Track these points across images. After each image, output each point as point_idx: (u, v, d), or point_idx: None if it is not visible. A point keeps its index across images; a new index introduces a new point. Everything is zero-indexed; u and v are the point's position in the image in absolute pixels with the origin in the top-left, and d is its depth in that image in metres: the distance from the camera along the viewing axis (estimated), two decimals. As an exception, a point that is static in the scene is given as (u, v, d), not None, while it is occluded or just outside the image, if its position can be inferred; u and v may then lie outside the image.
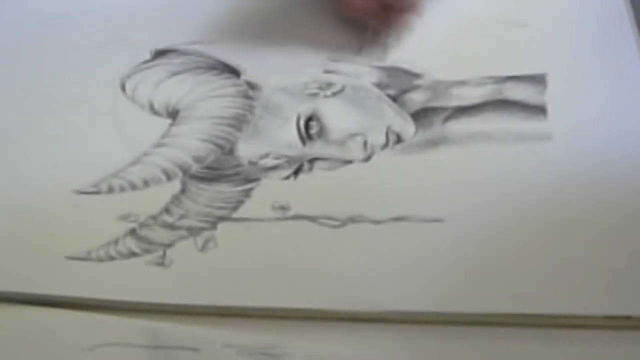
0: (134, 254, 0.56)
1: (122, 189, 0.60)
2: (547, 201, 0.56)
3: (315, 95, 0.64)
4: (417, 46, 0.67)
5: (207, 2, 0.72)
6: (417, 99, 0.63)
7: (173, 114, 0.64)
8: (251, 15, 0.70)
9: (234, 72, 0.66)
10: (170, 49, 0.68)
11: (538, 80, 0.63)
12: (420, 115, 0.62)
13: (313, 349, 0.51)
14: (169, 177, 0.60)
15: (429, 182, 0.59)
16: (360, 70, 0.65)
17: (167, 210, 0.58)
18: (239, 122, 0.63)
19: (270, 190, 0.59)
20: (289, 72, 0.66)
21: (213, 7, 0.71)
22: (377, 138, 0.61)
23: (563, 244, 0.54)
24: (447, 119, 0.62)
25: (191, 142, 0.62)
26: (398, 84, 0.64)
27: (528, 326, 0.51)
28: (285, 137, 0.62)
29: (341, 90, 0.64)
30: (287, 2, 0.70)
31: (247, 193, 0.59)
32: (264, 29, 0.69)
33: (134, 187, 0.60)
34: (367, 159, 0.60)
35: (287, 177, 0.60)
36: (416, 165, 0.60)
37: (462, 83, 0.64)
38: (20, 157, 0.62)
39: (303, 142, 0.61)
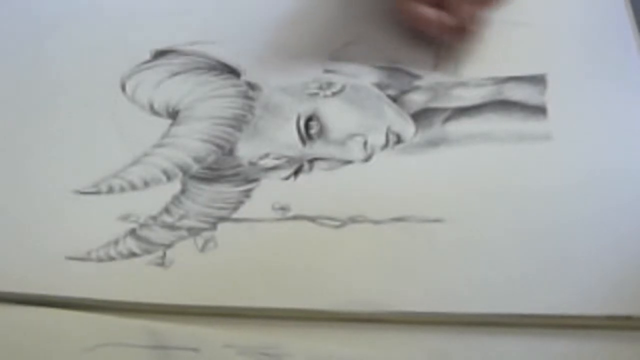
0: (134, 255, 0.56)
1: (122, 189, 0.60)
2: (547, 201, 0.56)
3: (315, 95, 0.64)
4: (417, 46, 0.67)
5: (207, 2, 0.72)
6: (417, 99, 0.63)
7: (173, 115, 0.64)
8: (305, 25, 0.69)
9: (234, 72, 0.66)
10: (170, 49, 0.68)
11: (538, 80, 0.63)
12: (421, 116, 0.62)
13: (313, 349, 0.51)
14: (169, 178, 0.60)
15: (429, 183, 0.59)
16: (360, 70, 0.65)
17: (167, 210, 0.58)
18: (239, 123, 0.63)
19: (271, 190, 0.59)
20: (289, 73, 0.66)
21: (213, 7, 0.71)
22: (377, 138, 0.61)
23: (563, 244, 0.54)
24: (447, 119, 0.62)
25: (191, 142, 0.62)
26: (398, 85, 0.64)
27: (528, 326, 0.51)
28: (285, 137, 0.62)
29: (341, 90, 0.64)
30: (355, 11, 0.70)
31: (247, 193, 0.59)
32: (326, 40, 0.68)
33: (134, 187, 0.60)
34: (367, 159, 0.60)
35: (287, 178, 0.60)
36: (416, 166, 0.60)
37: (462, 84, 0.64)
38: (20, 157, 0.62)
39: (303, 142, 0.61)
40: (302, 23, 0.69)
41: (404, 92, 0.64)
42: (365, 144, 0.61)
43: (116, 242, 0.57)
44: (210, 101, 0.64)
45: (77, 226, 0.58)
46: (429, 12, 0.64)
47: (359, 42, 0.67)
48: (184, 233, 0.57)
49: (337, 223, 0.57)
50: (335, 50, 0.67)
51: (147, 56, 0.68)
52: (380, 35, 0.68)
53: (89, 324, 0.53)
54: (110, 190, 0.60)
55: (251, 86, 0.65)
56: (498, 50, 0.66)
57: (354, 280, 0.54)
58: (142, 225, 0.57)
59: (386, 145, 0.61)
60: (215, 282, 0.54)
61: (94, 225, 0.58)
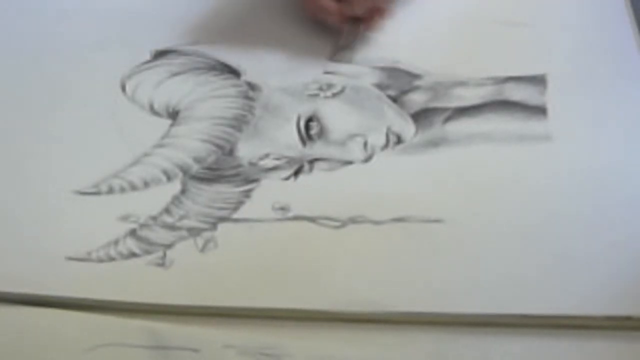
0: (134, 255, 0.56)
1: (122, 190, 0.60)
2: (547, 201, 0.56)
3: (315, 96, 0.64)
4: (417, 47, 0.67)
5: (207, 2, 0.72)
6: (417, 99, 0.63)
7: (173, 115, 0.64)
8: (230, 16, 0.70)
9: (234, 72, 0.66)
10: (170, 49, 0.68)
11: (538, 80, 0.63)
12: (421, 116, 0.62)
13: (313, 349, 0.51)
14: (169, 178, 0.60)
15: (429, 183, 0.59)
16: (360, 71, 0.66)
17: (167, 210, 0.58)
18: (239, 123, 0.63)
19: (271, 190, 0.59)
20: (289, 73, 0.66)
21: (213, 7, 0.71)
22: (377, 139, 0.61)
23: (563, 244, 0.54)
24: (447, 119, 0.62)
25: (191, 142, 0.62)
26: (398, 85, 0.64)
27: (528, 326, 0.51)
28: (285, 137, 0.62)
29: (341, 91, 0.64)
30: (258, 5, 0.71)
31: (247, 194, 0.59)
32: (240, 32, 0.69)
33: (134, 187, 0.60)
34: (368, 159, 0.60)
35: (287, 178, 0.60)
36: (416, 166, 0.60)
37: (462, 84, 0.64)
38: (20, 157, 0.62)
39: (303, 142, 0.61)
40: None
41: (404, 92, 0.64)
42: (365, 144, 0.61)
43: (116, 243, 0.56)
44: (211, 101, 0.64)
45: (77, 226, 0.58)
46: (328, 2, 0.65)
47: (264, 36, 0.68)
48: (184, 233, 0.57)
49: (337, 223, 0.56)
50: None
51: (147, 56, 0.68)
52: (280, 26, 0.68)
53: (89, 324, 0.53)
54: (111, 190, 0.60)
55: (251, 86, 0.65)
56: (498, 50, 0.66)
57: (354, 280, 0.54)
58: (142, 226, 0.57)
59: (386, 145, 0.61)
60: (215, 282, 0.54)
61: (94, 226, 0.58)
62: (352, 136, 0.61)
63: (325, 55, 0.66)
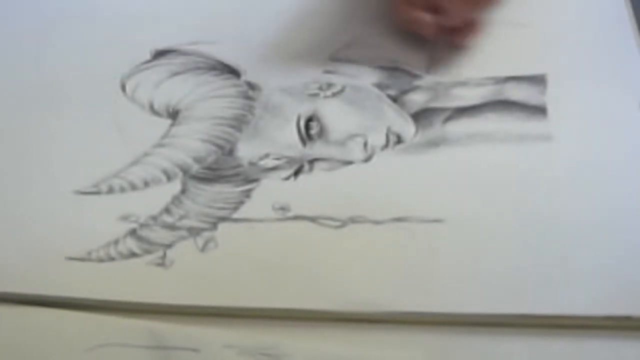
0: (134, 255, 0.56)
1: (122, 189, 0.60)
2: (547, 201, 0.56)
3: (315, 95, 0.64)
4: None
5: (207, 2, 0.72)
6: (417, 99, 0.63)
7: (173, 115, 0.64)
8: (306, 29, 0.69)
9: (234, 72, 0.66)
10: (170, 49, 0.68)
11: (538, 80, 0.63)
12: (421, 116, 0.62)
13: (313, 349, 0.51)
14: (169, 178, 0.60)
15: (429, 183, 0.59)
16: (360, 71, 0.65)
17: (167, 210, 0.58)
18: (239, 123, 0.63)
19: (271, 190, 0.59)
20: (289, 73, 0.66)
21: (213, 7, 0.71)
22: (377, 139, 0.61)
23: (563, 244, 0.54)
24: (447, 119, 0.62)
25: (191, 142, 0.62)
26: (398, 85, 0.64)
27: (528, 326, 0.51)
28: (285, 137, 0.62)
29: (341, 91, 0.64)
30: (353, 13, 0.70)
31: (247, 194, 0.59)
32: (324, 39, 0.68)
33: (134, 187, 0.60)
34: (368, 159, 0.60)
35: (288, 178, 0.60)
36: (416, 166, 0.60)
37: (463, 83, 0.64)
38: (20, 157, 0.62)
39: (303, 142, 0.61)
40: (302, 24, 0.69)
41: (404, 92, 0.64)
42: (365, 144, 0.61)
43: (116, 242, 0.57)
44: (211, 101, 0.64)
45: (77, 226, 0.58)
46: (424, 15, 0.64)
47: (357, 44, 0.67)
48: (184, 233, 0.57)
49: (337, 223, 0.57)
50: (335, 51, 0.67)
51: (147, 56, 0.68)
52: (376, 37, 0.68)
53: (89, 324, 0.53)
54: (111, 190, 0.60)
55: (251, 86, 0.65)
56: (498, 50, 0.66)
57: (354, 280, 0.54)
58: (143, 225, 0.57)
59: (386, 145, 0.61)
60: (215, 282, 0.54)
61: (94, 225, 0.58)
62: (352, 136, 0.61)
63: (420, 67, 0.65)
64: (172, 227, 0.57)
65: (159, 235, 0.57)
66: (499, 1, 0.64)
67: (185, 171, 0.60)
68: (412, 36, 0.66)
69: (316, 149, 0.61)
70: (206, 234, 0.57)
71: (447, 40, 0.65)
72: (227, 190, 0.59)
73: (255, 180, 0.60)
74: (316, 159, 0.60)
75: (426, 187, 0.58)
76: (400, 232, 0.56)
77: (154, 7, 0.72)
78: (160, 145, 0.62)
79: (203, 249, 0.56)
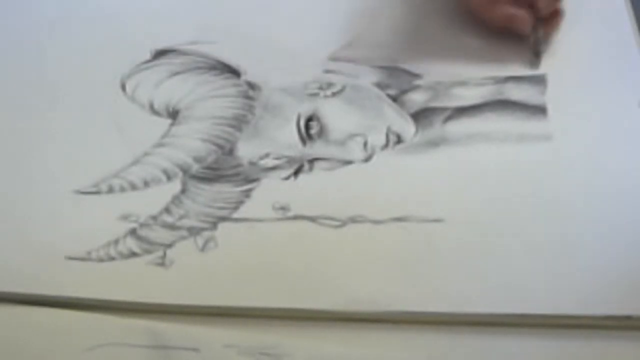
0: (134, 254, 0.56)
1: (122, 189, 0.60)
2: (547, 201, 0.56)
3: (315, 95, 0.64)
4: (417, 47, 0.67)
5: (207, 2, 0.72)
6: (417, 99, 0.63)
7: (173, 114, 0.64)
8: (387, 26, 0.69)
9: (234, 72, 0.66)
10: (170, 49, 0.68)
11: (538, 80, 0.63)
12: (421, 116, 0.62)
13: (313, 349, 0.51)
14: (169, 177, 0.60)
15: (429, 183, 0.59)
16: (360, 70, 0.65)
17: (167, 210, 0.58)
18: (239, 122, 0.63)
19: (271, 190, 0.59)
20: (289, 72, 0.66)
21: (213, 7, 0.71)
22: (377, 138, 0.61)
23: (563, 244, 0.54)
24: (447, 119, 0.62)
25: (191, 142, 0.62)
26: (398, 84, 0.64)
27: (528, 326, 0.51)
28: (285, 137, 0.62)
29: (341, 90, 0.64)
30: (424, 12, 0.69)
31: (247, 193, 0.59)
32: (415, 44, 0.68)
33: (134, 187, 0.60)
34: (368, 159, 0.60)
35: (288, 178, 0.60)
36: (416, 166, 0.60)
37: (463, 83, 0.64)
38: (20, 157, 0.62)
39: (303, 142, 0.61)
40: (302, 23, 0.69)
41: (404, 91, 0.64)
42: (365, 144, 0.61)
43: (116, 242, 0.56)
44: (211, 101, 0.64)
45: (77, 226, 0.58)
46: (519, 11, 0.64)
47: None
48: (184, 233, 0.57)
49: (337, 223, 0.57)
50: (335, 51, 0.67)
51: (147, 56, 0.68)
52: (463, 37, 0.67)
53: (89, 324, 0.53)
54: (111, 190, 0.60)
55: (251, 86, 0.65)
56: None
57: (354, 280, 0.54)
58: (143, 225, 0.57)
59: (386, 145, 0.61)
60: (215, 282, 0.54)
61: (94, 225, 0.58)
62: (352, 136, 0.61)
63: (524, 63, 0.65)
64: (172, 227, 0.57)
65: (159, 235, 0.57)
66: None
67: (185, 171, 0.60)
68: (490, 33, 0.66)
69: (316, 148, 0.61)
70: (206, 234, 0.57)
71: (542, 33, 0.65)
72: (227, 190, 0.59)
73: (255, 180, 0.60)
74: (316, 159, 0.60)
75: (426, 187, 0.58)
76: (400, 232, 0.56)
77: (154, 7, 0.72)
78: (160, 145, 0.62)
79: (203, 248, 0.56)
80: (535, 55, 0.65)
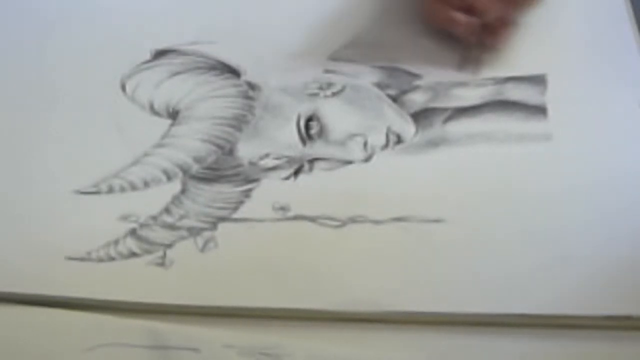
0: (134, 255, 0.56)
1: (122, 189, 0.60)
2: (547, 201, 0.56)
3: (315, 95, 0.64)
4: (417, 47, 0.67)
5: (207, 2, 0.72)
6: (417, 99, 0.63)
7: (173, 115, 0.64)
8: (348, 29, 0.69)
9: (234, 72, 0.66)
10: (170, 49, 0.68)
11: (538, 80, 0.63)
12: (421, 116, 0.62)
13: (313, 349, 0.51)
14: (169, 178, 0.60)
15: (429, 183, 0.59)
16: (360, 70, 0.65)
17: (167, 210, 0.58)
18: (239, 123, 0.63)
19: (271, 190, 0.59)
20: (289, 72, 0.66)
21: (213, 7, 0.71)
22: (377, 138, 0.61)
23: (563, 244, 0.54)
24: (447, 119, 0.62)
25: (191, 142, 0.62)
26: (398, 84, 0.64)
27: (528, 326, 0.51)
28: (285, 137, 0.62)
29: (341, 90, 0.64)
30: (377, 12, 0.70)
31: (247, 193, 0.59)
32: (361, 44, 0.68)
33: (134, 187, 0.60)
34: (368, 159, 0.60)
35: (287, 178, 0.60)
36: (416, 166, 0.60)
37: (462, 84, 0.64)
38: (20, 157, 0.62)
39: (303, 142, 0.61)
40: (302, 23, 0.69)
41: (404, 92, 0.64)
42: (365, 144, 0.61)
43: (116, 242, 0.57)
44: (211, 101, 0.64)
45: (77, 226, 0.58)
46: (458, 14, 0.64)
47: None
48: (184, 233, 0.57)
49: (337, 223, 0.57)
50: (335, 51, 0.67)
51: (147, 56, 0.68)
52: (405, 37, 0.67)
53: (89, 324, 0.53)
54: (111, 190, 0.60)
55: (251, 86, 0.65)
56: (499, 51, 0.66)
57: (354, 280, 0.54)
58: (142, 225, 0.57)
59: (386, 145, 0.61)
60: (215, 282, 0.54)
61: (94, 225, 0.58)
62: (352, 136, 0.61)
63: (453, 66, 0.65)
64: (172, 227, 0.57)
65: (159, 235, 0.57)
66: (535, 3, 0.64)
67: (185, 171, 0.60)
68: (445, 36, 0.66)
69: (316, 148, 0.61)
70: (206, 234, 0.57)
71: (480, 40, 0.65)
72: (227, 190, 0.59)
73: (255, 180, 0.60)
74: (316, 159, 0.60)
75: (426, 187, 0.58)
76: (400, 232, 0.56)
77: (154, 7, 0.72)
78: (160, 145, 0.62)
79: (203, 249, 0.56)
80: (463, 60, 0.65)
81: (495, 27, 0.65)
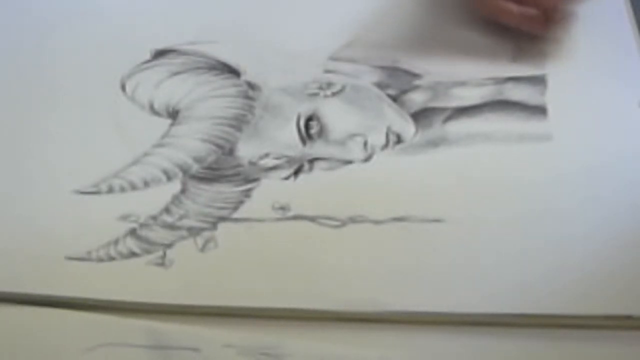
0: (134, 254, 0.56)
1: (122, 189, 0.60)
2: (547, 201, 0.56)
3: (315, 95, 0.64)
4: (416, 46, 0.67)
5: (207, 2, 0.72)
6: (417, 99, 0.63)
7: (173, 114, 0.64)
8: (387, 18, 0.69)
9: (234, 72, 0.66)
10: (170, 49, 0.68)
11: (538, 80, 0.63)
12: (420, 116, 0.62)
13: (313, 349, 0.51)
14: (169, 177, 0.60)
15: (429, 183, 0.59)
16: (360, 70, 0.65)
17: (167, 210, 0.58)
18: (239, 123, 0.63)
19: (271, 190, 0.59)
20: (288, 72, 0.66)
21: (213, 7, 0.71)
22: (377, 138, 0.61)
23: (563, 244, 0.54)
24: (447, 119, 0.62)
25: (191, 142, 0.62)
26: (398, 84, 0.64)
27: (528, 326, 0.51)
28: (285, 137, 0.62)
29: (341, 90, 0.64)
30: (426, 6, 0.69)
31: (247, 193, 0.59)
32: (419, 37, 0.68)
33: (134, 187, 0.60)
34: (367, 159, 0.60)
35: (287, 177, 0.60)
36: (416, 166, 0.60)
37: (462, 83, 0.64)
38: (20, 157, 0.62)
39: (303, 142, 0.61)
40: (302, 23, 0.69)
41: (404, 91, 0.64)
42: (365, 144, 0.61)
43: (116, 242, 0.57)
44: (211, 101, 0.64)
45: (77, 226, 0.58)
46: (510, 5, 0.64)
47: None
48: (184, 233, 0.57)
49: (337, 223, 0.57)
50: (335, 51, 0.67)
51: (147, 56, 0.68)
52: (458, 29, 0.67)
53: (89, 324, 0.53)
54: (110, 190, 0.60)
55: (251, 86, 0.65)
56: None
57: (354, 280, 0.54)
58: (142, 225, 0.57)
59: (386, 145, 0.61)
60: (215, 282, 0.54)
61: (94, 225, 0.58)
62: (352, 135, 0.61)
63: (507, 57, 0.65)
64: (172, 227, 0.57)
65: (159, 235, 0.57)
66: None
67: (185, 171, 0.60)
68: (496, 26, 0.66)
69: (316, 148, 0.61)
70: (206, 234, 0.57)
71: (532, 30, 0.65)
72: (227, 190, 0.59)
73: (255, 179, 0.60)
74: (316, 159, 0.60)
75: (426, 187, 0.58)
76: (400, 232, 0.56)
77: (154, 7, 0.72)
78: (160, 145, 0.62)
79: (203, 248, 0.56)
80: (516, 50, 0.65)
81: (553, 18, 0.64)
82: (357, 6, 0.70)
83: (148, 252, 0.56)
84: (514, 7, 0.64)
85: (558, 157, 0.59)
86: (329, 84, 0.64)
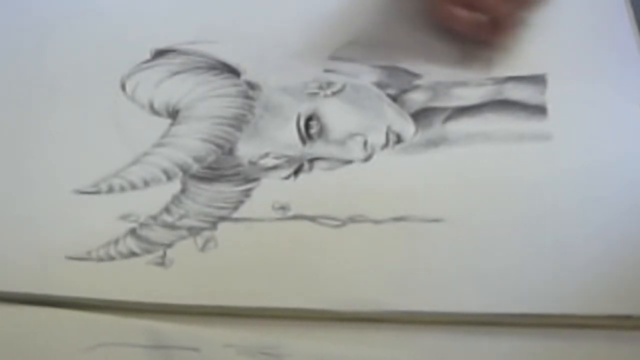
0: (134, 254, 0.56)
1: (122, 189, 0.60)
2: (547, 201, 0.56)
3: (315, 94, 0.64)
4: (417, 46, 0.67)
5: (207, 2, 0.72)
6: (417, 98, 0.63)
7: (173, 114, 0.64)
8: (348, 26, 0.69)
9: (234, 71, 0.66)
10: (170, 49, 0.68)
11: (538, 80, 0.63)
12: (421, 115, 0.62)
13: (313, 349, 0.51)
14: (169, 177, 0.60)
15: (429, 182, 0.59)
16: (360, 70, 0.65)
17: (167, 210, 0.58)
18: (239, 122, 0.63)
19: (271, 190, 0.59)
20: (288, 72, 0.66)
21: (213, 7, 0.71)
22: (377, 138, 0.61)
23: (562, 244, 0.54)
24: (447, 119, 0.62)
25: (191, 142, 0.62)
26: (398, 84, 0.64)
27: (528, 326, 0.51)
28: (285, 137, 0.62)
29: (341, 90, 0.64)
30: (383, 10, 0.69)
31: (247, 193, 0.59)
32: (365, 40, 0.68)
33: (134, 187, 0.60)
34: (367, 159, 0.60)
35: (287, 177, 0.60)
36: (416, 165, 0.60)
37: (463, 83, 0.64)
38: (20, 157, 0.62)
39: (303, 141, 0.61)
40: (302, 23, 0.69)
41: (404, 91, 0.64)
42: (365, 143, 0.61)
43: (116, 242, 0.57)
44: (210, 101, 0.64)
45: (77, 226, 0.58)
46: (460, 11, 0.64)
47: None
48: (184, 233, 0.57)
49: (337, 223, 0.57)
50: (335, 50, 0.67)
51: (147, 56, 0.68)
52: (410, 34, 0.67)
53: (89, 324, 0.53)
54: (111, 189, 0.60)
55: (251, 86, 0.65)
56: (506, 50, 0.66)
57: (354, 280, 0.54)
58: (142, 225, 0.57)
59: (386, 145, 0.61)
60: (215, 281, 0.54)
61: (94, 225, 0.58)
62: (352, 135, 0.61)
63: (454, 64, 0.65)
64: (172, 227, 0.57)
65: (159, 234, 0.57)
66: (540, 3, 0.64)
67: (185, 171, 0.60)
68: (446, 32, 0.66)
69: (316, 148, 0.61)
70: (206, 234, 0.57)
71: (483, 36, 0.65)
72: (227, 190, 0.59)
73: (255, 179, 0.60)
74: (316, 158, 0.60)
75: (426, 187, 0.58)
76: (400, 231, 0.56)
77: (154, 7, 0.72)
78: (160, 144, 0.62)
79: (203, 248, 0.56)
80: (464, 56, 0.65)
81: (502, 25, 0.64)
82: (357, 6, 0.70)
83: (148, 251, 0.56)
84: (464, 14, 0.64)
85: (558, 157, 0.59)
86: (329, 84, 0.64)
